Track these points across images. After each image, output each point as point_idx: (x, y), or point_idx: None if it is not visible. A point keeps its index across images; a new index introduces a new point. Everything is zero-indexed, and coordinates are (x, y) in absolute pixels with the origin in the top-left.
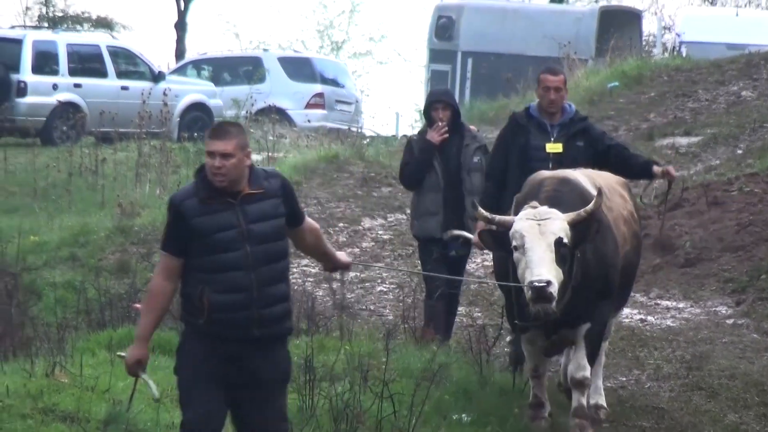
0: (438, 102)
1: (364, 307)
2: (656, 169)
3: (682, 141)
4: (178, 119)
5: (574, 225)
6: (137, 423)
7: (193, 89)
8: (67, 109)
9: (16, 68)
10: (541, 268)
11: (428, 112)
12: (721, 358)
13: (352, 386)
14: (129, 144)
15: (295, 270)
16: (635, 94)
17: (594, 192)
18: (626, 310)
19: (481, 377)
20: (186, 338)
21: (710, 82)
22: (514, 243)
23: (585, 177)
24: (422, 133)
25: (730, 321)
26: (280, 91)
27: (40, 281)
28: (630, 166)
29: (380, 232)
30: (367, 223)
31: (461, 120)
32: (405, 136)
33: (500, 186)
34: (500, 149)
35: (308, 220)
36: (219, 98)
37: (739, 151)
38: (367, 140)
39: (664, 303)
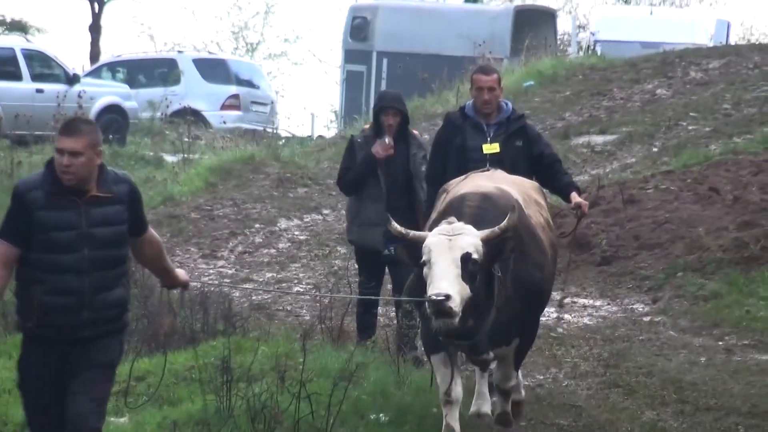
0: (389, 108)
1: (281, 308)
2: (573, 196)
3: (598, 139)
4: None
5: (488, 241)
6: None
7: (108, 91)
8: None
9: None
10: (442, 282)
11: (378, 116)
12: (639, 356)
13: (270, 387)
14: (44, 146)
15: (211, 271)
16: (551, 92)
17: (518, 200)
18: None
19: (398, 377)
20: (23, 349)
21: (625, 81)
22: (423, 258)
23: (507, 186)
24: (368, 136)
25: (647, 318)
26: (195, 92)
27: None
28: (554, 181)
29: (296, 233)
30: (283, 223)
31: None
32: (321, 137)
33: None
34: (438, 151)
35: (151, 231)
36: (134, 100)
37: (655, 149)
38: (283, 141)
39: (581, 301)
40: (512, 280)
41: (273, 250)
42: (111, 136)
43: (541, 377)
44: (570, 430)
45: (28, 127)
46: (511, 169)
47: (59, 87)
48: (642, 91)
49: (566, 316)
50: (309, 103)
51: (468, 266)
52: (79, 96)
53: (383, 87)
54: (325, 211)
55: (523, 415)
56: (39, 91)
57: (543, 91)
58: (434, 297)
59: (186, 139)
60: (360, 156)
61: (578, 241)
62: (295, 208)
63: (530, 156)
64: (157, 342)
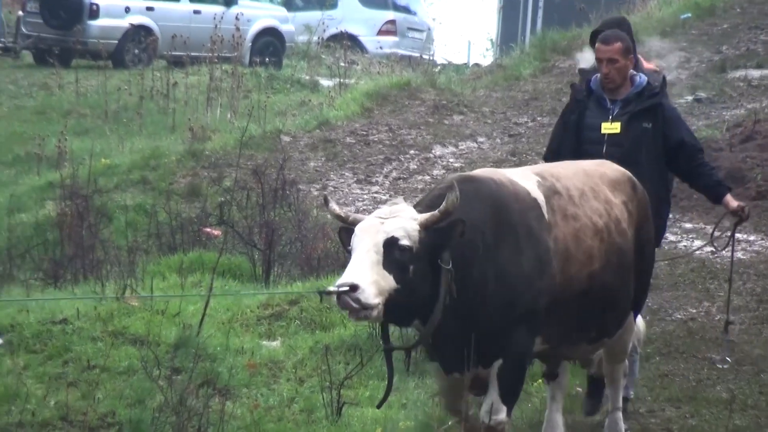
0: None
1: None
2: (729, 200)
3: (755, 73)
4: (250, 44)
5: (427, 226)
6: (207, 347)
7: (265, 14)
8: (139, 32)
9: None
10: (352, 270)
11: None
12: None
13: None
14: (200, 68)
15: (365, 196)
16: (708, 25)
17: (534, 194)
18: (697, 242)
19: None
20: None
21: None
22: (351, 244)
23: (529, 175)
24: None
25: None
26: (353, 17)
27: (110, 204)
28: (698, 177)
29: (451, 160)
30: (438, 150)
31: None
32: (477, 65)
33: None
34: (558, 127)
35: None
36: (291, 23)
37: None
38: (439, 68)
39: (735, 235)
40: (481, 280)
41: (427, 177)
42: (267, 60)
43: (694, 311)
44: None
45: (185, 48)
46: (633, 154)
47: (216, 9)
48: None
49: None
50: (465, 31)
51: (394, 253)
52: (237, 18)
53: (540, 16)
54: (480, 139)
55: None
56: (196, 12)
57: (700, 23)
58: (335, 288)
59: (342, 64)
60: None
61: (733, 175)
62: (450, 135)
63: (665, 141)
64: (311, 266)
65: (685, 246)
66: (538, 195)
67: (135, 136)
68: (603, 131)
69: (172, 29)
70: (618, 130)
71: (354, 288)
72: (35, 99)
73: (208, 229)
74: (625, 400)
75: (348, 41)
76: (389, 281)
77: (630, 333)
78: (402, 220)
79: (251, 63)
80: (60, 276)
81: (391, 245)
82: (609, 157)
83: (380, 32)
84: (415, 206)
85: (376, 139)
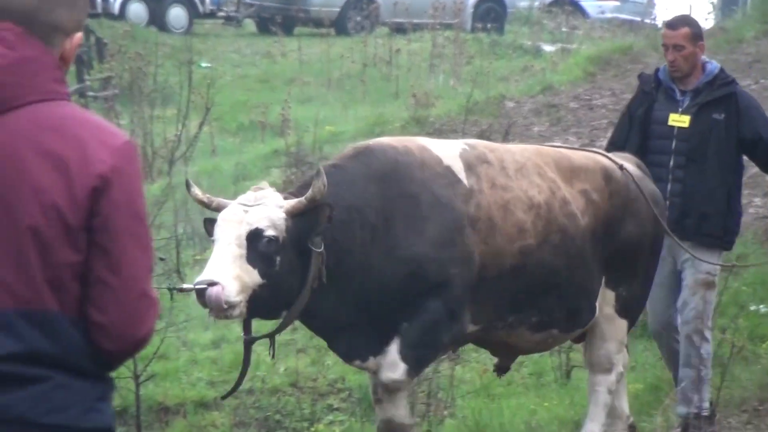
0: None
1: None
2: None
3: None
4: (472, 10)
5: (294, 214)
6: None
7: None
8: None
9: None
10: (213, 266)
11: None
12: None
13: None
14: (423, 35)
15: None
16: None
17: (447, 161)
18: None
19: None
20: None
21: None
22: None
23: (455, 144)
24: None
25: None
26: None
27: None
28: None
29: None
30: None
31: None
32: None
33: None
34: (623, 120)
35: None
36: None
37: None
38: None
39: None
40: (365, 263)
41: None
42: (489, 25)
43: None
44: None
45: (407, 15)
46: (700, 148)
47: None
48: None
49: None
50: None
51: (258, 245)
52: None
53: None
54: None
55: None
56: None
57: None
58: (194, 285)
59: (564, 29)
60: None
61: None
62: None
63: (740, 134)
64: None
65: None
66: (454, 162)
67: (358, 103)
68: (670, 123)
69: None
70: (686, 124)
71: (213, 286)
72: (258, 67)
73: None
74: (697, 416)
75: (569, 6)
76: (253, 276)
77: (614, 343)
78: (267, 209)
79: (473, 29)
80: None
81: (255, 237)
82: (678, 153)
83: None
84: (288, 192)
85: (599, 104)
